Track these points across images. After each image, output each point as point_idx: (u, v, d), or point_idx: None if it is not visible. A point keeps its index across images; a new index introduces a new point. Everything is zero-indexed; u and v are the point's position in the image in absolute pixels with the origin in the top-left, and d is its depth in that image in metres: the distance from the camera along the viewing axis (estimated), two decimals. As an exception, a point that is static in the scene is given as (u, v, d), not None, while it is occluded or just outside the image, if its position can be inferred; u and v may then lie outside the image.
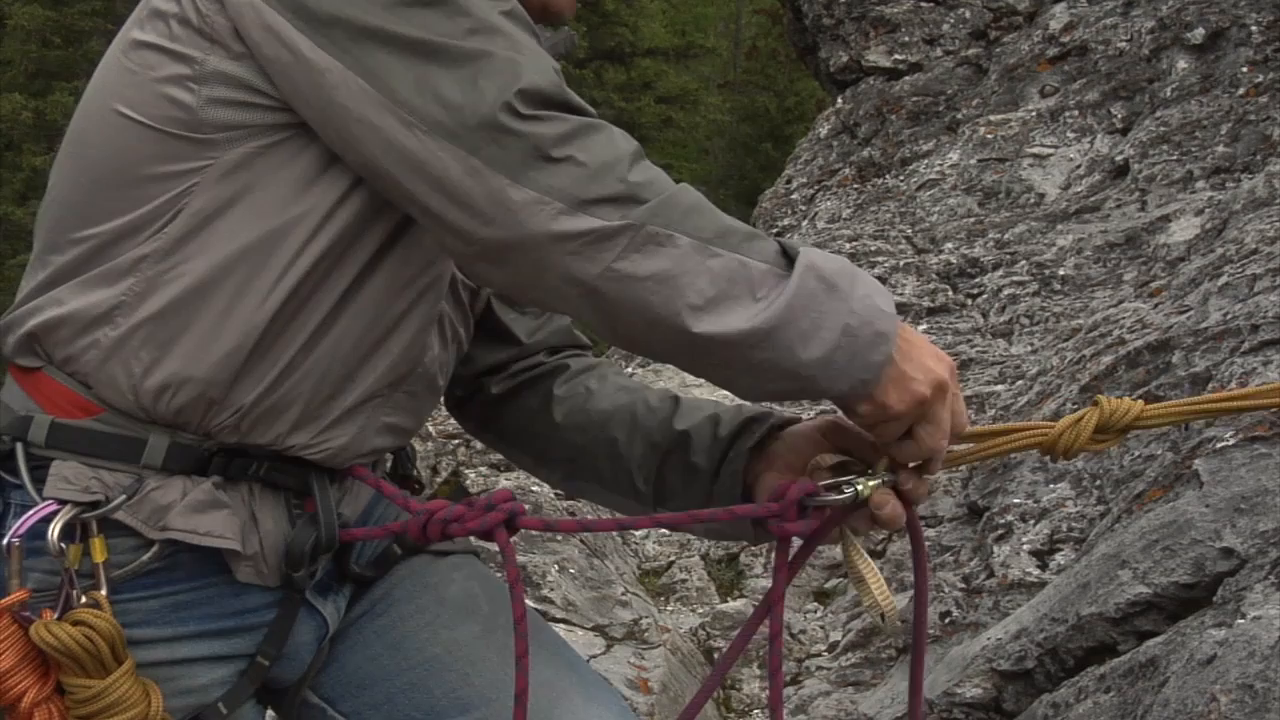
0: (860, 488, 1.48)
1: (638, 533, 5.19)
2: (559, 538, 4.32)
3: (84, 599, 1.43)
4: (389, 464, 1.76)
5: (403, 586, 1.69)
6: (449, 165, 1.36)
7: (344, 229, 1.45)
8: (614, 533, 4.80)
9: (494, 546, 1.54)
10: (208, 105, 1.42)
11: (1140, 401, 1.54)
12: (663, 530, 5.27)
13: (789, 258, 1.40)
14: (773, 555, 1.58)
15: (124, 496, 1.44)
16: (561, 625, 3.94)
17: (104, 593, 1.43)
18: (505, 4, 1.43)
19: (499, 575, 1.61)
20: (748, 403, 1.63)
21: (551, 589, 4.04)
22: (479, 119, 1.34)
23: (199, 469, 1.48)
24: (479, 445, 5.31)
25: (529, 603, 3.97)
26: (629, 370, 6.42)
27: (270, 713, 1.70)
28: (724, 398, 3.29)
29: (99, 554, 1.43)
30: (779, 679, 1.55)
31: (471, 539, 1.64)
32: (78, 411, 1.47)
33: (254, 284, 1.43)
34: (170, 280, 1.43)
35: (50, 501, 1.43)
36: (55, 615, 1.43)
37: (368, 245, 1.47)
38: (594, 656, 3.87)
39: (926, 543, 4.24)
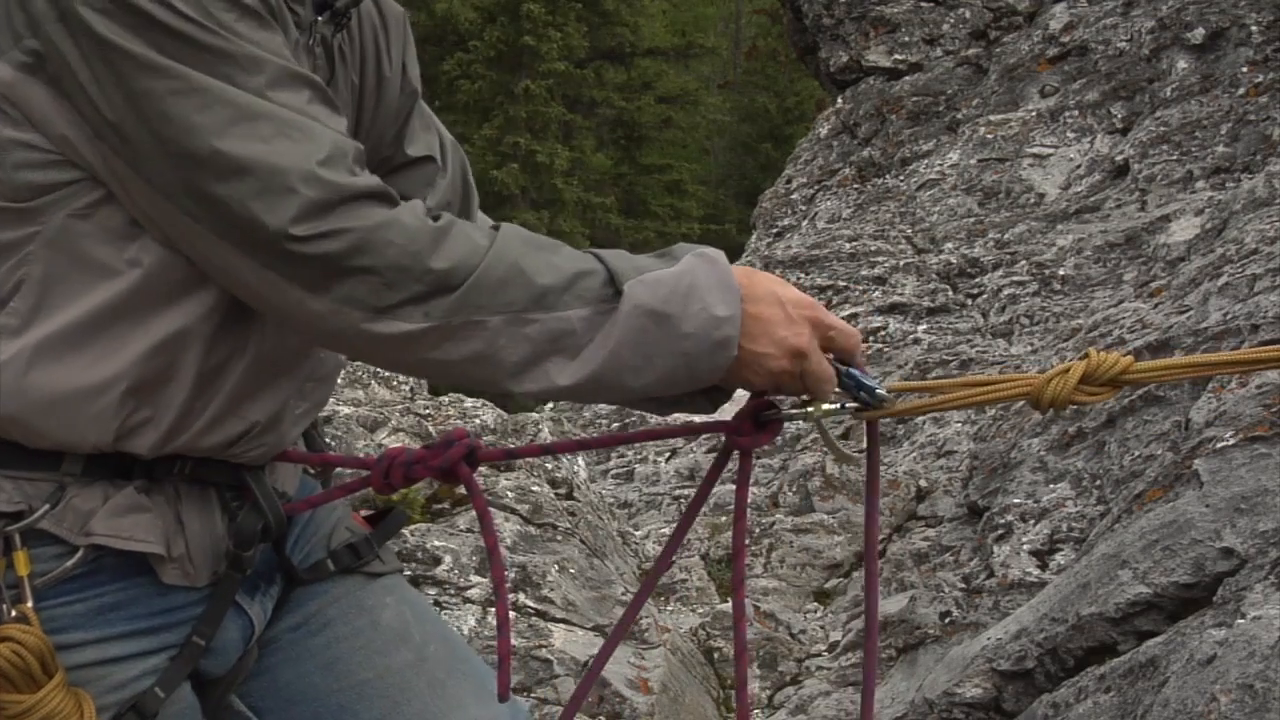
0: (812, 410, 1.53)
1: (637, 533, 5.19)
2: (559, 537, 4.33)
3: (13, 613, 1.42)
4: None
5: (338, 606, 1.71)
6: (245, 273, 1.36)
7: (189, 278, 1.42)
8: (615, 533, 4.80)
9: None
10: (14, 171, 1.38)
11: (1130, 357, 1.53)
12: (663, 531, 5.27)
13: (617, 288, 1.39)
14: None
15: (47, 506, 1.44)
16: (561, 625, 3.94)
17: (30, 605, 1.43)
18: (280, 61, 1.37)
19: (429, 594, 1.62)
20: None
21: (551, 589, 4.04)
22: (263, 239, 1.33)
23: (122, 474, 1.47)
24: (479, 445, 5.29)
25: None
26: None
27: None
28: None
29: (23, 567, 1.43)
30: (741, 594, 1.62)
31: (398, 559, 1.74)
32: None
33: (114, 344, 1.41)
34: (28, 349, 1.41)
35: None
36: None
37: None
38: (594, 657, 3.86)
39: (926, 543, 4.25)
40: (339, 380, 3.61)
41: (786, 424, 1.57)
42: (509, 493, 4.52)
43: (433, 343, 1.37)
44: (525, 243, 1.41)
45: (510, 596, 3.83)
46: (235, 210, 1.32)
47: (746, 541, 5.25)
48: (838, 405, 1.53)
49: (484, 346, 1.37)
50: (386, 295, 1.34)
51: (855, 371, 1.54)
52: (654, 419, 1.68)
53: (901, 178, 7.77)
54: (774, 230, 8.39)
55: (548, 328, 1.38)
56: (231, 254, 1.35)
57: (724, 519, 5.16)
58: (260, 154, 1.32)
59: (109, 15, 1.31)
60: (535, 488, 4.65)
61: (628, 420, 6.44)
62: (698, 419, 1.66)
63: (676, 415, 1.61)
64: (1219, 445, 3.09)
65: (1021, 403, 4.49)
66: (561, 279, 1.39)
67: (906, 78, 8.44)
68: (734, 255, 9.70)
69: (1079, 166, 6.91)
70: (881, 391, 1.54)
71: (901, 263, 6.52)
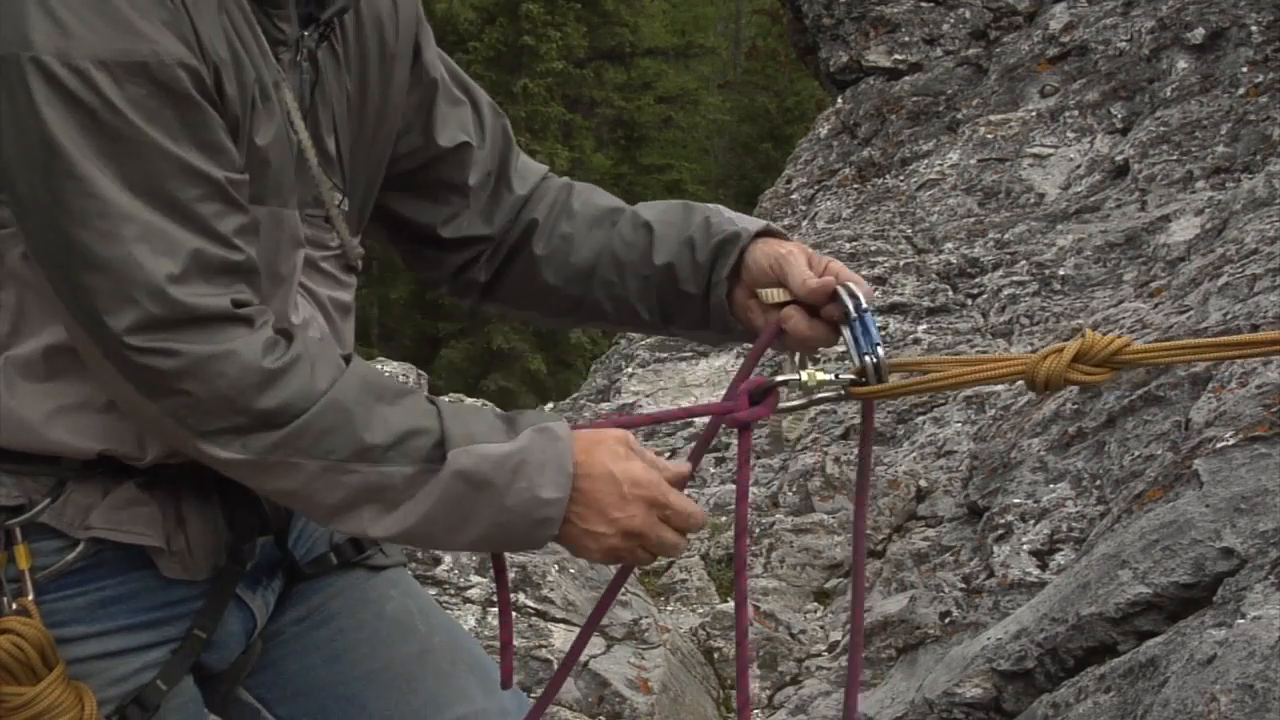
0: (804, 376, 1.57)
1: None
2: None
3: (13, 606, 1.44)
4: None
5: (343, 599, 1.73)
6: (92, 354, 1.39)
7: None
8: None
9: None
10: None
11: (1128, 337, 1.53)
12: (663, 530, 5.28)
13: (444, 451, 1.41)
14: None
15: (47, 500, 1.46)
16: (561, 625, 3.94)
17: (31, 598, 1.45)
18: (176, 152, 1.36)
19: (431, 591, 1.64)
20: (710, 209, 1.72)
21: (551, 589, 4.04)
22: (104, 335, 1.36)
23: (121, 469, 1.49)
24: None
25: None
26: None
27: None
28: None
29: (23, 561, 1.45)
30: (743, 577, 1.65)
31: (401, 553, 1.77)
32: None
33: (81, 368, 1.44)
34: (9, 371, 1.45)
35: None
36: None
37: None
38: (594, 656, 3.87)
39: (926, 543, 4.25)
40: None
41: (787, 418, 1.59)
42: (509, 492, 4.52)
43: (250, 470, 1.40)
44: (364, 391, 1.42)
45: (510, 596, 3.83)
46: (86, 299, 1.35)
47: (746, 541, 5.24)
48: (832, 376, 1.56)
49: (298, 486, 1.41)
50: (207, 421, 1.37)
51: (869, 319, 1.56)
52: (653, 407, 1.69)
53: (901, 178, 7.77)
54: (774, 230, 8.39)
55: (367, 480, 1.40)
56: (80, 332, 1.38)
57: (724, 519, 5.16)
58: (117, 256, 1.34)
59: (39, 78, 1.32)
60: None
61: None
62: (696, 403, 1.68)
63: (675, 402, 1.62)
64: (1219, 445, 3.09)
65: (1022, 403, 4.50)
66: (390, 437, 1.41)
67: (906, 78, 8.44)
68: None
69: (1079, 166, 6.91)
70: (882, 351, 1.56)
71: (901, 263, 6.52)
